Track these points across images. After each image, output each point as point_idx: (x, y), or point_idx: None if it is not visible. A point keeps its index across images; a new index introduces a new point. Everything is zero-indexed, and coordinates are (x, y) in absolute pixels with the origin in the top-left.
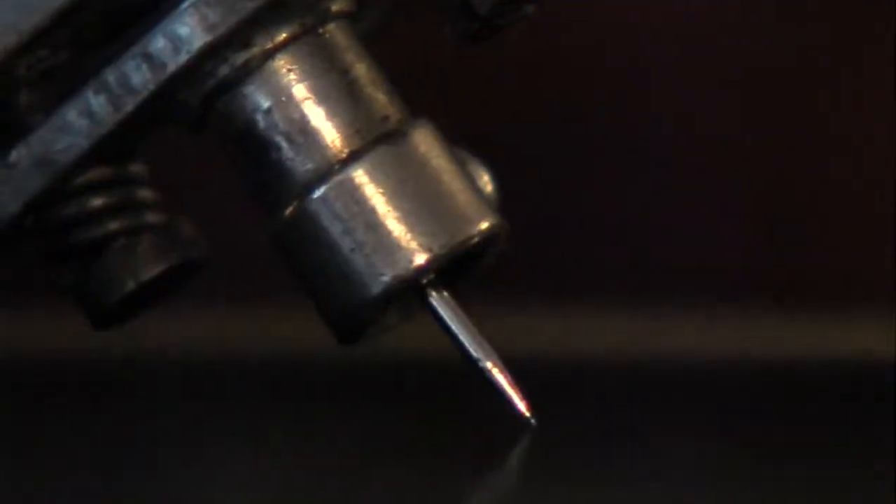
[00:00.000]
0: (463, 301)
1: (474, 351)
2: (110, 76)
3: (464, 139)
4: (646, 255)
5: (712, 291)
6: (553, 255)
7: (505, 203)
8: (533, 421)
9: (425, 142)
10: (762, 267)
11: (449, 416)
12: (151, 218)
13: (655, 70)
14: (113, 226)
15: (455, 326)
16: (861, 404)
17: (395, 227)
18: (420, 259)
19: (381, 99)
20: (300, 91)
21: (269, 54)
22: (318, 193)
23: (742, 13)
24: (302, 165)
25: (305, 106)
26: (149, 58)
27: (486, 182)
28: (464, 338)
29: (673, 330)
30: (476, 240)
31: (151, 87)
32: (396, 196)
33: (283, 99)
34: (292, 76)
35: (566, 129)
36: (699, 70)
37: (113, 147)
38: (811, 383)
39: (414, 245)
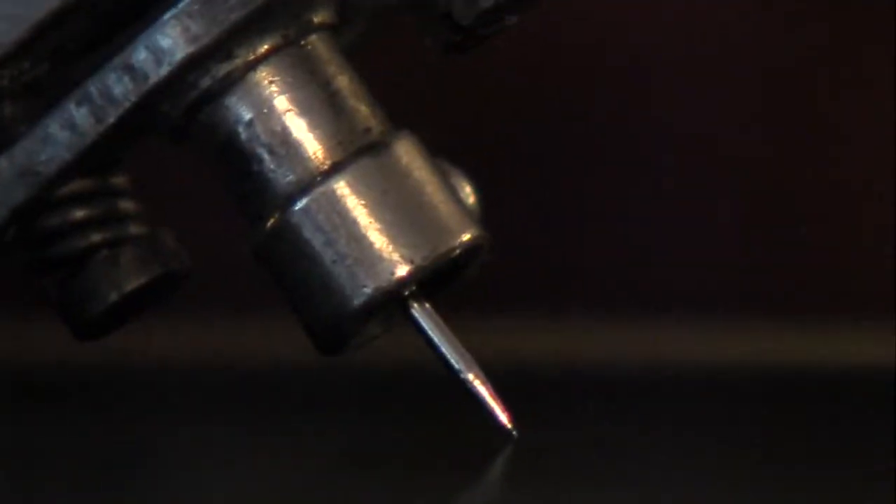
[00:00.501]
0: (447, 310)
1: (456, 362)
2: (92, 88)
3: (459, 142)
4: (644, 258)
5: (710, 297)
6: (543, 262)
7: (496, 206)
8: (514, 433)
9: (407, 153)
10: (761, 271)
11: (435, 423)
12: (134, 229)
13: (656, 70)
14: (96, 237)
15: (437, 338)
16: (862, 411)
17: (377, 238)
18: (402, 271)
19: (363, 110)
20: (282, 102)
21: (252, 66)
22: (300, 205)
23: (741, 13)
24: (284, 177)
25: (287, 117)
26: (131, 69)
27: (468, 193)
28: (445, 349)
29: (670, 337)
30: (458, 251)
31: (133, 98)
32: (378, 207)
33: (265, 110)
34: (274, 88)
35: (565, 130)
36: (698, 71)
37: (96, 158)
38: (811, 389)
39: (396, 257)
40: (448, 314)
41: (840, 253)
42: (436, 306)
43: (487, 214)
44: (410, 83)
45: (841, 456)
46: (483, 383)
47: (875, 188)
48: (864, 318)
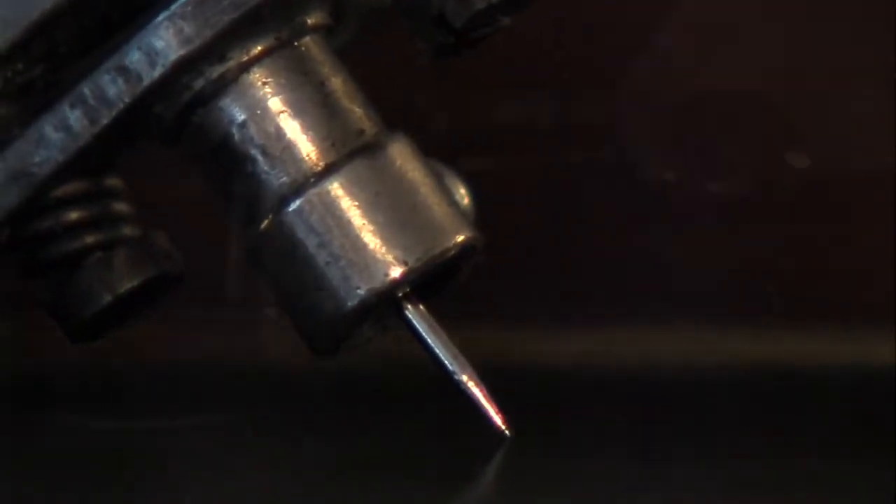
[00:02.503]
0: (442, 312)
1: (449, 364)
2: (86, 89)
3: (457, 144)
4: (643, 261)
5: (710, 299)
6: (538, 264)
7: (491, 208)
8: (508, 433)
9: (401, 155)
10: (761, 274)
11: (429, 424)
12: (127, 231)
13: (654, 71)
14: (89, 239)
15: (430, 339)
16: (862, 413)
17: (371, 240)
18: (395, 272)
19: (356, 112)
20: (275, 104)
21: (245, 67)
22: (293, 206)
23: (743, 14)
24: (277, 178)
25: (281, 119)
26: (124, 71)
27: (462, 195)
28: (439, 350)
29: (668, 341)
30: (452, 253)
31: (127, 100)
32: (372, 209)
33: (259, 112)
34: (268, 89)
35: (564, 133)
36: (696, 73)
37: (90, 160)
38: (812, 391)
39: (390, 258)
40: (443, 315)
41: (840, 255)
42: (429, 308)
43: (483, 217)
44: (406, 84)
45: (840, 457)
46: (477, 385)
47: (875, 189)
48: (865, 319)
